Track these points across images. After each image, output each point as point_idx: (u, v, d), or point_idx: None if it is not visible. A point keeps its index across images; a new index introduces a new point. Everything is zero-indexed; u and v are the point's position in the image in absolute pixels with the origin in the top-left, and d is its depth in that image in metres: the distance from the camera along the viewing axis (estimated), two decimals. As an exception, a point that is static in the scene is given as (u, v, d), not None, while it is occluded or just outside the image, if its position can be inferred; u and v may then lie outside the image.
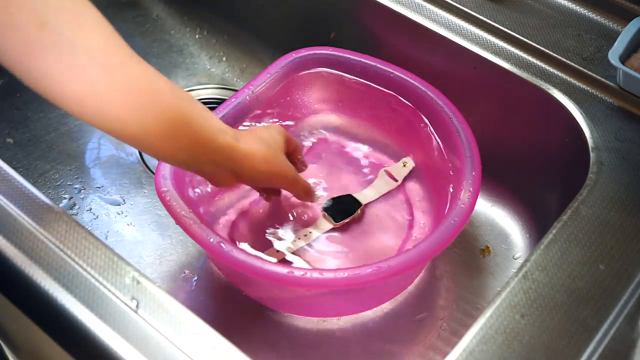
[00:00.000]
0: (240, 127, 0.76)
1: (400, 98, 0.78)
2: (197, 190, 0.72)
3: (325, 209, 0.76)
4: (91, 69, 0.47)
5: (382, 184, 0.79)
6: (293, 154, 0.72)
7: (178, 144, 0.54)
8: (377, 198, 0.78)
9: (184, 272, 0.76)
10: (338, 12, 0.85)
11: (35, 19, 0.45)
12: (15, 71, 0.47)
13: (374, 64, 0.78)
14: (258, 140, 0.63)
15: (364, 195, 0.78)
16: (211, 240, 0.62)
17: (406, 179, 0.80)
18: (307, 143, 0.83)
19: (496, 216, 0.81)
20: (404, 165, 0.80)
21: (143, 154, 0.88)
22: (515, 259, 0.78)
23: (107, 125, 0.51)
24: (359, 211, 0.76)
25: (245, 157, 0.60)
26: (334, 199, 0.77)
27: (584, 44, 0.75)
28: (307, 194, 0.72)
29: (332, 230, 0.75)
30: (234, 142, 0.59)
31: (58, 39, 0.46)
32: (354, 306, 0.72)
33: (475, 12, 0.77)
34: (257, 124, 0.78)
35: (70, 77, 0.47)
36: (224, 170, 0.60)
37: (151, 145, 0.53)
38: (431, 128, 0.76)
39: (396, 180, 0.79)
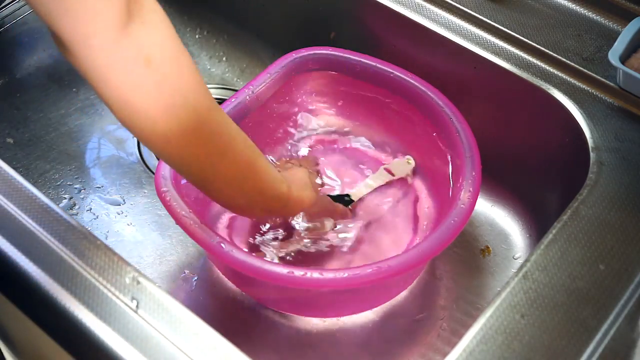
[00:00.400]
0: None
1: (400, 98, 0.78)
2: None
3: None
4: (184, 111, 0.49)
5: (377, 180, 0.80)
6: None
7: (243, 189, 0.58)
8: (372, 192, 0.79)
9: (184, 272, 0.76)
10: (338, 12, 0.85)
11: (143, 55, 0.46)
12: (114, 104, 0.48)
13: (374, 64, 0.78)
14: (304, 186, 0.67)
15: (357, 191, 0.78)
16: (211, 240, 0.62)
17: (407, 178, 0.80)
18: (308, 143, 0.83)
19: (496, 216, 0.81)
20: (409, 163, 0.81)
21: (143, 153, 0.88)
22: (515, 259, 0.78)
23: (183, 166, 0.54)
24: (349, 207, 0.76)
25: (297, 205, 0.65)
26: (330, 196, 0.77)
27: (584, 44, 0.75)
28: (343, 217, 0.75)
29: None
30: (289, 191, 0.63)
31: (161, 77, 0.47)
32: (354, 306, 0.72)
33: (475, 12, 0.77)
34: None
35: (165, 115, 0.48)
36: (274, 218, 0.65)
37: (217, 188, 0.57)
38: (431, 128, 0.76)
39: (393, 175, 0.80)
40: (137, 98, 0.47)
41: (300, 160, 0.77)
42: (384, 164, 0.81)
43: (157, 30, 0.47)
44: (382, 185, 0.80)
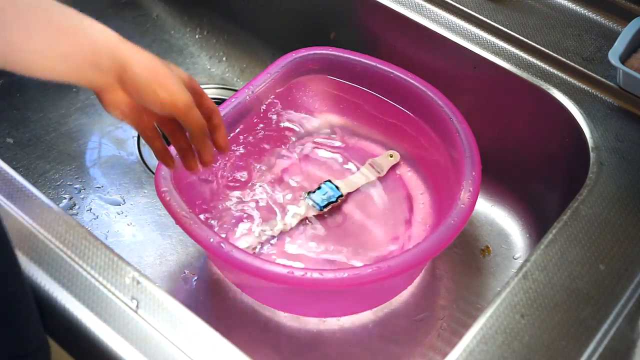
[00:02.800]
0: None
1: (400, 98, 0.78)
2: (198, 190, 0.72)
3: (309, 194, 0.77)
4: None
5: (366, 174, 0.80)
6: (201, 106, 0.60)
7: (57, 48, 0.52)
8: (363, 188, 0.79)
9: (184, 272, 0.76)
10: (338, 12, 0.85)
11: None
12: None
13: (374, 64, 0.78)
14: (149, 53, 0.58)
15: (346, 184, 0.78)
16: (211, 240, 0.62)
17: (406, 177, 0.80)
18: (307, 142, 0.83)
19: (496, 216, 0.81)
20: (391, 157, 0.81)
21: (143, 153, 0.88)
22: (515, 259, 0.78)
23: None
24: (338, 200, 0.76)
25: (131, 57, 0.56)
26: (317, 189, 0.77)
27: (584, 44, 0.75)
28: (201, 131, 0.58)
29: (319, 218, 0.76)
30: (117, 42, 0.55)
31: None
32: (354, 306, 0.72)
33: (475, 12, 0.77)
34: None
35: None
36: (108, 75, 0.55)
37: (29, 58, 0.51)
38: (431, 128, 0.76)
39: (379, 172, 0.80)
40: None
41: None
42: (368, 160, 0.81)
43: None
44: (376, 182, 0.80)
